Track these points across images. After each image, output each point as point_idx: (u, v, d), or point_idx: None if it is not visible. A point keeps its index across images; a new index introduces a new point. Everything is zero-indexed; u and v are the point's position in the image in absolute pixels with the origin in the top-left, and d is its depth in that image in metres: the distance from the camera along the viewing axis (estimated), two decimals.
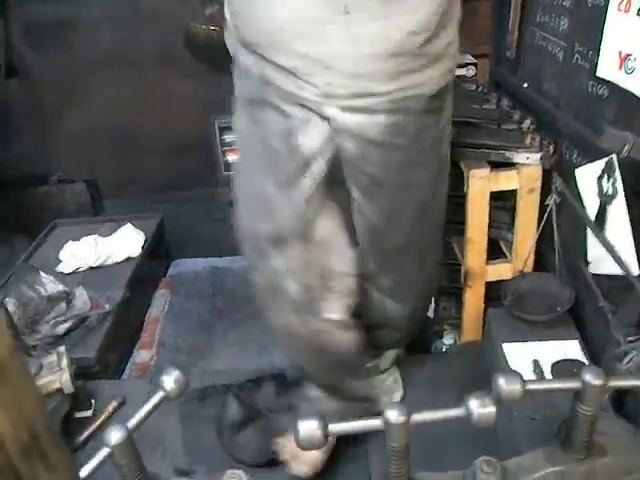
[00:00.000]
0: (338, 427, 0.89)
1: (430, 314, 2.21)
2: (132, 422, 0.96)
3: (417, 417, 0.89)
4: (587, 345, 1.68)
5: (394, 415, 0.88)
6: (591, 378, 0.92)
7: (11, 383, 0.32)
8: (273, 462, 1.60)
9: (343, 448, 1.64)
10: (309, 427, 0.87)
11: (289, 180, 1.32)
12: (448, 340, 2.10)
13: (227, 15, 1.34)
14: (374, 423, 0.90)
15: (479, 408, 0.89)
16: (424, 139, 1.34)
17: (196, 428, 1.77)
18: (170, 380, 1.00)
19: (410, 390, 1.83)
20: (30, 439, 0.31)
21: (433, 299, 2.18)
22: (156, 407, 0.98)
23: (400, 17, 1.16)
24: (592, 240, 1.54)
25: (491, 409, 0.88)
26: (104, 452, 0.92)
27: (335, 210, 1.41)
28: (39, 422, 0.33)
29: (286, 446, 1.57)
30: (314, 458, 1.55)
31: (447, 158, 1.49)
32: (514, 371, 0.95)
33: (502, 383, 0.93)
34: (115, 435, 0.92)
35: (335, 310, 1.47)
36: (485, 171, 1.76)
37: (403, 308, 1.63)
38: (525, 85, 2.04)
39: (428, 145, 1.37)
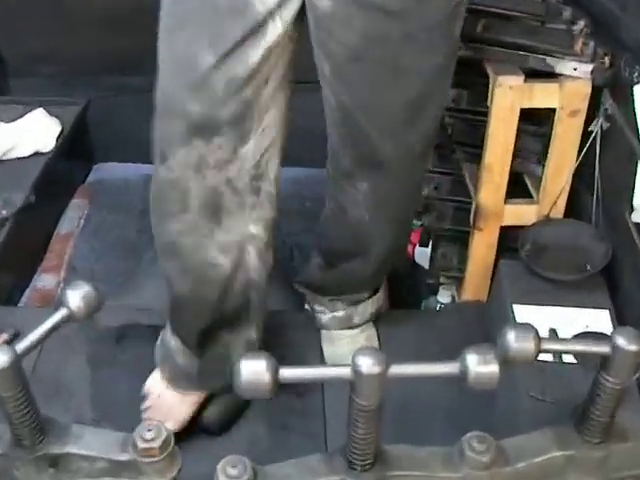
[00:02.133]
0: (293, 372, 0.88)
1: (423, 263, 2.21)
2: (21, 345, 0.94)
3: (397, 369, 0.89)
4: (620, 317, 1.71)
5: (367, 363, 0.86)
6: (624, 342, 0.92)
7: None
8: None
9: (296, 403, 1.72)
10: (255, 369, 0.86)
11: (232, 47, 1.27)
12: (444, 298, 2.12)
13: None
14: (341, 372, 0.89)
15: (479, 365, 0.88)
16: (430, 10, 1.31)
17: (109, 375, 1.79)
18: (76, 295, 0.97)
19: (388, 353, 1.84)
20: None
21: (430, 244, 2.18)
22: (55, 328, 0.96)
23: None
24: None
25: (494, 368, 0.88)
26: None
27: (285, 99, 1.42)
28: None
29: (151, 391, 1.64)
30: (178, 412, 1.61)
31: (457, 44, 1.46)
32: (528, 324, 0.94)
33: (511, 338, 0.92)
34: None
35: (254, 224, 1.48)
36: (518, 79, 1.73)
37: (379, 226, 1.64)
38: None
39: (434, 21, 1.33)
